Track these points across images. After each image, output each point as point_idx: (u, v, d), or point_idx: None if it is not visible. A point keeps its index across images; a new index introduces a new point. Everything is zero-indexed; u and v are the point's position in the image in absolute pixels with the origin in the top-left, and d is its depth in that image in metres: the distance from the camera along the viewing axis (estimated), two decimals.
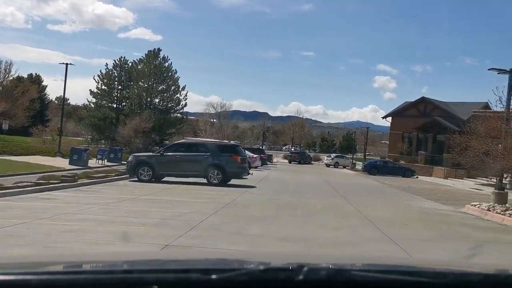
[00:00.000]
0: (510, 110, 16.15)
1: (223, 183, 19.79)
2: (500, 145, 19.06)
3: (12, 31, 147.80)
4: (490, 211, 14.66)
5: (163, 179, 19.75)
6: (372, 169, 43.91)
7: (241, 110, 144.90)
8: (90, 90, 56.14)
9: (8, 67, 58.53)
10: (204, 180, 19.78)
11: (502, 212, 14.01)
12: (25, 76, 71.55)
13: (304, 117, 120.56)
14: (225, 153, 20.20)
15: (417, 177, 42.48)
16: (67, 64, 34.57)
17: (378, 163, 45.92)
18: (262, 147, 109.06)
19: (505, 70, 16.66)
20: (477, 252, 8.15)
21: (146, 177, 19.64)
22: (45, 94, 79.01)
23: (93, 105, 55.81)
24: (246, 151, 37.07)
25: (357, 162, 59.02)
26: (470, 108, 49.21)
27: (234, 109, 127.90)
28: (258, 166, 38.13)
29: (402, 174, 42.77)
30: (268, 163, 50.74)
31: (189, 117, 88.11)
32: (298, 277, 1.28)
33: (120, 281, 1.30)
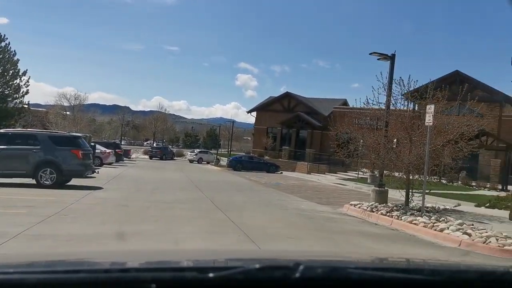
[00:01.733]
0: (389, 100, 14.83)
1: (59, 184, 15.57)
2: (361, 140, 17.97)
3: None
4: (373, 212, 13.05)
5: None
6: (237, 164, 42.08)
7: (101, 103, 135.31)
8: None
9: None
10: (34, 181, 15.38)
11: (388, 214, 12.42)
12: None
13: (167, 112, 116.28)
14: (62, 146, 15.90)
15: (281, 173, 41.77)
16: None
17: (243, 159, 44.30)
18: (121, 142, 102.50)
19: (386, 55, 15.35)
20: None
21: None
22: None
23: None
24: (98, 146, 32.34)
25: (221, 157, 57.16)
26: (331, 104, 50.45)
27: (93, 102, 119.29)
28: (112, 163, 33.58)
29: (267, 169, 41.68)
30: (125, 159, 46.03)
31: (40, 108, 78.50)
32: (295, 275, 1.28)
33: (117, 279, 1.29)
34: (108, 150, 32.13)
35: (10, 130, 19.17)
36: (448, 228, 10.13)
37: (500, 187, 31.73)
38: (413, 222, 11.11)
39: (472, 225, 10.62)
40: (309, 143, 48.35)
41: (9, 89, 48.74)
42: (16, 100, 49.31)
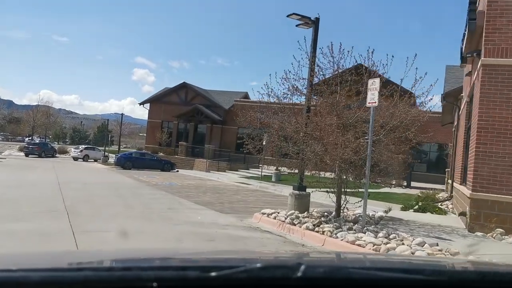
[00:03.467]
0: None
1: None
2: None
3: None
4: (295, 225, 9.62)
5: None
6: (126, 162, 36.91)
7: None
8: None
9: None
10: None
11: (316, 229, 9.03)
12: None
13: (56, 107, 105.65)
14: None
15: (177, 171, 37.52)
16: None
17: (134, 156, 39.15)
18: None
19: (309, 18, 11.96)
20: None
21: None
22: None
23: None
24: None
25: (111, 154, 51.21)
26: (231, 97, 47.12)
27: None
28: None
29: (161, 168, 37.13)
30: None
31: None
32: (296, 275, 1.27)
33: (119, 278, 1.28)
34: None
35: None
36: (411, 252, 6.96)
37: (405, 184, 30.74)
38: (356, 242, 7.82)
39: (437, 244, 7.60)
40: (208, 139, 44.55)
41: None
42: None
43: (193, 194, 17.69)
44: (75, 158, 50.60)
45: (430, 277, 1.42)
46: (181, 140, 44.41)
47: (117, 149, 63.16)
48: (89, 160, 49.73)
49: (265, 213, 10.95)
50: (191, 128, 45.48)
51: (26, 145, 56.18)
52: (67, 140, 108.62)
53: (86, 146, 58.02)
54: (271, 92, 11.64)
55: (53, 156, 54.24)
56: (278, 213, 10.67)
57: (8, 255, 2.49)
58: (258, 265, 1.34)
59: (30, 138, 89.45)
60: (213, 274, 1.26)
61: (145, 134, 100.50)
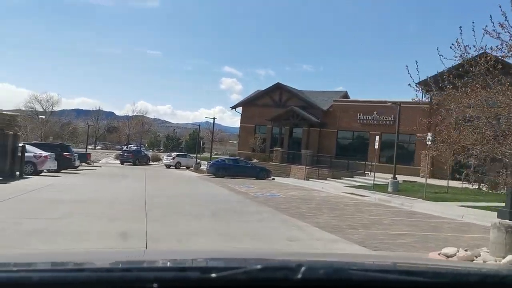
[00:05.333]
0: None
1: None
2: None
3: None
4: None
5: None
6: (219, 170, 34.21)
7: (84, 108, 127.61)
8: None
9: None
10: None
11: None
12: None
13: (153, 117, 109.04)
14: None
15: (273, 179, 34.14)
16: None
17: (227, 163, 36.40)
18: (96, 146, 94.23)
19: None
20: None
21: None
22: None
23: None
24: (30, 148, 24.32)
25: (202, 161, 49.36)
26: (329, 97, 42.97)
27: (76, 107, 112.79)
28: (52, 169, 25.53)
29: (256, 175, 33.94)
30: (83, 164, 37.98)
31: (5, 111, 72.33)
32: (297, 276, 1.27)
33: (120, 279, 1.28)
34: (44, 154, 24.06)
35: None
36: None
37: None
38: None
39: None
40: (305, 143, 40.71)
41: None
42: None
43: (306, 211, 13.93)
44: (167, 166, 49.46)
45: (432, 279, 1.41)
46: (276, 145, 41.04)
47: (209, 156, 61.64)
48: (181, 168, 48.30)
49: (449, 255, 6.80)
50: (286, 132, 41.97)
51: (121, 153, 56.35)
52: (161, 147, 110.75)
53: (178, 153, 56.86)
54: (466, 51, 7.37)
55: (146, 164, 53.80)
56: (476, 257, 6.52)
57: (8, 255, 2.54)
58: (259, 266, 1.34)
59: (126, 146, 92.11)
60: (213, 275, 1.26)
61: (234, 141, 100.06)
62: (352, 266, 1.59)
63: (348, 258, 2.35)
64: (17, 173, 21.56)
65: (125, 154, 54.70)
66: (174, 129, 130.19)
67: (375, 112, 38.55)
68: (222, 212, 12.58)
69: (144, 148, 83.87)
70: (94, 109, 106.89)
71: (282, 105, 42.39)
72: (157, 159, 60.57)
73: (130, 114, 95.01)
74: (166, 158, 52.95)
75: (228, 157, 44.88)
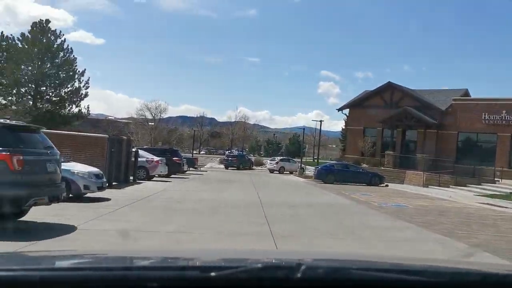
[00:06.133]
0: None
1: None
2: None
3: None
4: None
5: None
6: (328, 175, 32.31)
7: (188, 115, 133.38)
8: None
9: None
10: None
11: None
12: None
13: (252, 122, 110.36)
14: None
15: (387, 185, 31.52)
16: None
17: (336, 168, 34.35)
18: (200, 151, 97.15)
19: None
20: None
21: None
22: None
23: None
24: (143, 153, 24.48)
25: (306, 166, 47.81)
26: (447, 97, 39.07)
27: (180, 114, 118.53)
28: (163, 174, 25.55)
29: (368, 181, 31.55)
30: (191, 169, 38.29)
31: (120, 119, 77.64)
32: (297, 275, 1.26)
33: (120, 277, 1.29)
34: (156, 159, 24.03)
35: None
36: None
37: None
38: None
39: None
40: (420, 146, 37.29)
41: (65, 91, 43.25)
42: (74, 104, 43.65)
43: (452, 227, 11.63)
44: (271, 170, 48.69)
45: (431, 278, 1.40)
46: (387, 149, 38.14)
47: (312, 160, 59.84)
48: (284, 172, 47.22)
49: None
50: (398, 135, 38.90)
51: (226, 158, 56.81)
52: (261, 152, 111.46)
53: (281, 158, 55.94)
54: None
55: (250, 168, 53.62)
56: None
57: (9, 254, 2.45)
58: (259, 265, 1.34)
59: (230, 151, 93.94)
60: (213, 274, 1.26)
61: (334, 145, 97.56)
62: (352, 265, 1.58)
63: (348, 257, 2.30)
64: (131, 178, 21.64)
65: (229, 158, 54.99)
66: (274, 134, 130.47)
67: (503, 112, 34.06)
68: (356, 228, 10.73)
69: (245, 153, 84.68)
70: (197, 116, 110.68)
71: (393, 106, 39.36)
72: (260, 163, 60.25)
73: (232, 120, 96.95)
74: (269, 163, 52.24)
75: (335, 161, 42.75)
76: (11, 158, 7.50)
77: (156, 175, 24.46)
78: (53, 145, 8.96)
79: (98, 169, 13.91)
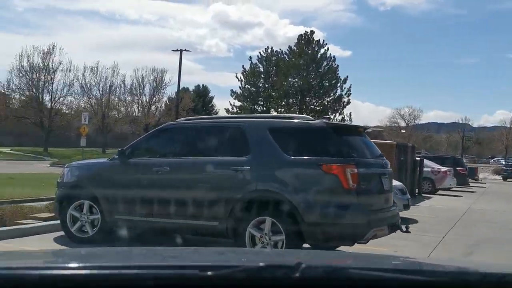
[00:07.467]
0: None
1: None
2: None
3: (218, 60, 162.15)
4: None
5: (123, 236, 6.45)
6: None
7: (438, 121, 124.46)
8: (231, 90, 46.41)
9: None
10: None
11: None
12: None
13: None
14: (300, 155, 5.84)
15: None
16: None
17: None
18: (462, 159, 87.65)
19: None
20: None
21: (87, 232, 6.87)
22: (212, 106, 73.34)
23: (237, 110, 45.75)
24: (427, 162, 21.28)
25: None
26: None
27: (429, 120, 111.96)
28: (451, 187, 21.78)
29: None
30: (470, 180, 32.99)
31: (372, 128, 77.43)
32: (296, 274, 1.25)
33: (118, 276, 1.28)
34: (444, 169, 20.51)
35: (191, 119, 8.85)
36: None
37: None
38: None
39: None
40: None
41: (330, 99, 43.48)
42: (337, 112, 43.52)
43: None
44: None
45: (431, 278, 1.40)
46: None
47: None
48: None
49: None
50: None
51: (504, 168, 48.84)
52: None
53: None
54: None
55: None
56: None
57: (8, 253, 2.41)
58: (257, 264, 1.34)
59: (495, 160, 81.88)
60: (211, 273, 1.26)
61: None
62: (351, 264, 1.58)
63: (347, 257, 2.34)
64: (416, 191, 18.76)
65: (509, 168, 46.83)
66: None
67: None
68: None
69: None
70: (447, 122, 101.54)
71: None
72: None
73: (489, 125, 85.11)
74: None
75: None
76: (345, 170, 5.48)
77: (441, 189, 20.96)
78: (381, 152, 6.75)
79: (400, 183, 11.49)
